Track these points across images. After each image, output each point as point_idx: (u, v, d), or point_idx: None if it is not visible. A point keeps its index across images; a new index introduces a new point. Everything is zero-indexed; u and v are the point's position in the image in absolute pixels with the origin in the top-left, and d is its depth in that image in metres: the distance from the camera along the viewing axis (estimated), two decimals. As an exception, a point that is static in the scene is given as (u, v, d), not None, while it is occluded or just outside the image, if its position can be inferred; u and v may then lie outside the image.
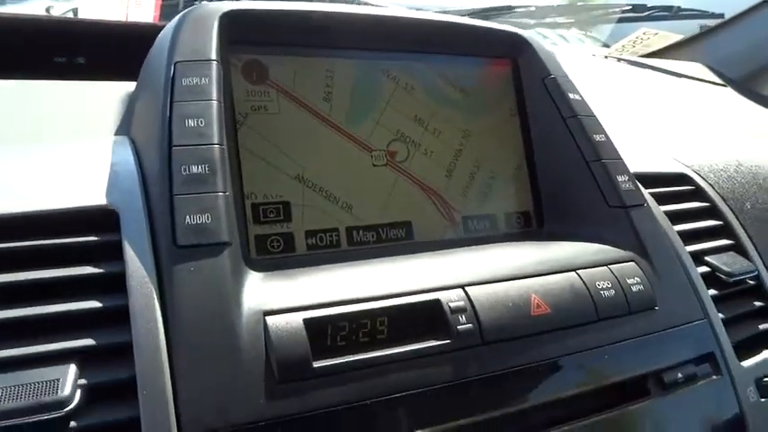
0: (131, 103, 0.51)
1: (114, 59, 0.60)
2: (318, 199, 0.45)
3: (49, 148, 0.43)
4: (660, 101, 1.02)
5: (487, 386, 0.36)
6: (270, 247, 0.43)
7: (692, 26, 1.40)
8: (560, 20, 1.16)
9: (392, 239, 0.47)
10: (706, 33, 1.33)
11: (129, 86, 0.53)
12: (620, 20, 1.34)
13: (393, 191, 0.48)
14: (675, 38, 1.36)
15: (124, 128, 0.50)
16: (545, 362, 0.38)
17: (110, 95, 0.53)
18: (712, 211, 0.56)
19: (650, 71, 1.19)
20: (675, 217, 0.53)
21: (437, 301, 0.37)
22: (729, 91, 1.20)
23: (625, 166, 0.50)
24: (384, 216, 0.47)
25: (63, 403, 0.28)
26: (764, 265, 0.54)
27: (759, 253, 0.55)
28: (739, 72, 1.25)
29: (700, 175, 0.59)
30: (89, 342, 0.31)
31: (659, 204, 0.53)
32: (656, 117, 0.90)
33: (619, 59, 1.25)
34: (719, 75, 1.25)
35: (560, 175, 0.52)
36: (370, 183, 0.47)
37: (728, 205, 0.57)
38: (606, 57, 1.29)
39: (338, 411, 0.32)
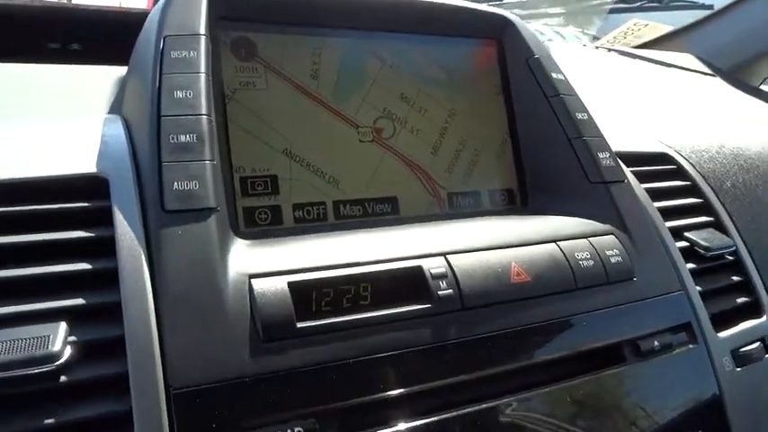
0: (124, 84, 0.51)
1: (108, 45, 0.61)
2: (306, 173, 0.46)
3: (40, 123, 0.44)
4: (649, 89, 1.04)
5: (467, 349, 0.37)
6: (258, 219, 0.44)
7: (683, 17, 1.41)
8: (551, 10, 1.17)
9: (378, 214, 0.48)
10: (696, 24, 1.34)
11: (123, 70, 0.54)
12: (612, 11, 1.35)
13: (379, 166, 0.49)
14: (666, 29, 1.37)
15: (116, 107, 0.51)
16: (523, 327, 0.40)
17: (103, 79, 0.54)
18: (693, 190, 0.58)
19: (640, 61, 1.20)
20: (656, 194, 0.54)
21: (419, 268, 0.39)
22: (718, 81, 1.21)
23: (606, 143, 0.52)
24: (370, 191, 0.48)
25: (53, 357, 0.29)
26: (743, 241, 0.56)
27: (738, 230, 0.56)
28: (728, 63, 1.26)
29: (681, 155, 0.61)
30: (79, 301, 0.32)
31: (640, 182, 0.54)
32: (644, 104, 0.91)
33: (609, 50, 1.26)
34: (709, 65, 1.27)
35: (543, 152, 0.53)
36: (356, 158, 0.48)
37: (709, 184, 0.59)
38: (597, 47, 1.30)
39: (320, 369, 0.33)
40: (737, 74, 1.25)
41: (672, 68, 1.20)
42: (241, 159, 0.44)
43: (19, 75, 0.54)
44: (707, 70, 1.24)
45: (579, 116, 0.52)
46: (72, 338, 0.31)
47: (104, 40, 0.67)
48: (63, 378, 0.30)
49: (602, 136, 0.52)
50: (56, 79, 0.55)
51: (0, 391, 0.29)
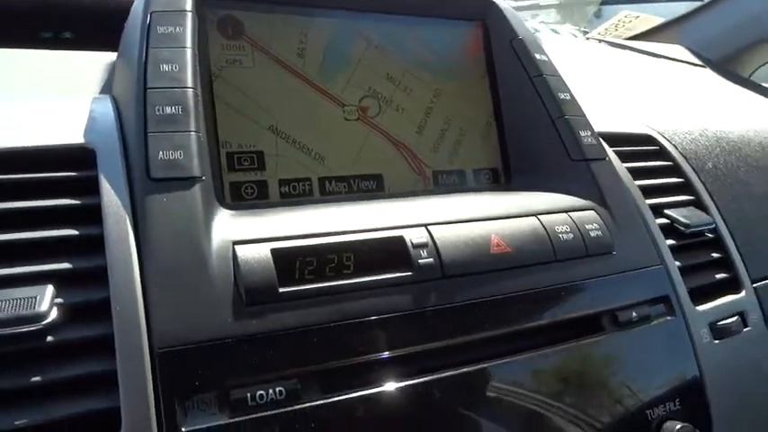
0: (114, 67, 0.52)
1: (101, 34, 0.61)
2: (291, 150, 0.47)
3: (30, 101, 0.45)
4: (637, 79, 1.05)
5: (447, 316, 0.38)
6: (244, 193, 0.44)
7: (675, 9, 1.42)
8: (543, 2, 1.18)
9: (363, 191, 0.49)
10: (687, 16, 1.35)
11: (114, 56, 0.54)
12: (603, 2, 1.36)
13: (365, 144, 0.50)
14: (657, 21, 1.38)
15: (107, 89, 0.52)
16: (503, 296, 0.40)
17: (94, 64, 0.55)
18: (674, 169, 0.59)
19: (630, 52, 1.21)
20: (637, 173, 0.55)
21: (400, 238, 0.39)
22: (707, 71, 1.22)
23: (588, 122, 0.52)
24: (356, 168, 0.49)
25: (40, 317, 0.30)
26: (723, 220, 0.57)
27: (719, 209, 0.57)
28: (717, 54, 1.27)
29: (664, 137, 0.62)
30: (66, 266, 0.33)
31: (622, 162, 0.55)
32: (631, 93, 0.92)
33: (600, 41, 1.27)
34: (698, 56, 1.28)
35: (527, 132, 0.54)
36: (342, 136, 0.49)
37: (690, 164, 0.60)
38: (588, 38, 1.31)
39: (302, 333, 0.34)
40: (727, 64, 1.26)
41: (662, 59, 1.21)
42: (228, 135, 0.45)
43: (8, 59, 0.54)
44: (697, 61, 1.25)
45: (562, 96, 0.53)
46: (59, 300, 0.32)
47: (98, 28, 0.67)
48: (50, 338, 0.31)
49: (584, 115, 0.53)
50: (47, 64, 0.55)
51: (-12, 349, 0.30)
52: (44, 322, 0.30)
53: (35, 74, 0.54)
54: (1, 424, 0.29)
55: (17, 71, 0.54)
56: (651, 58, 1.21)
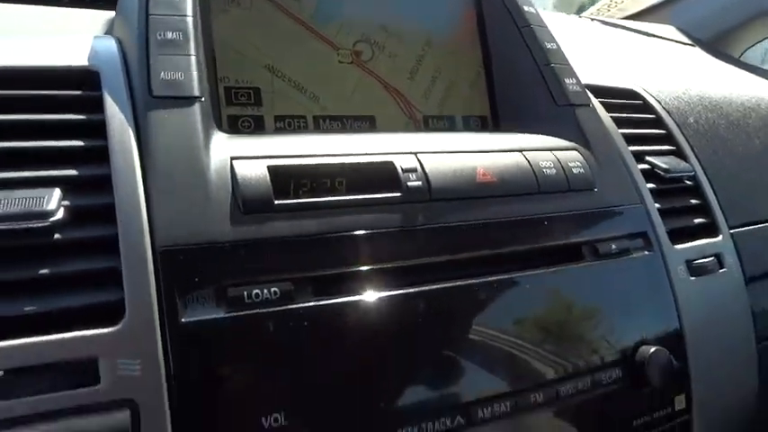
0: (113, 21, 0.54)
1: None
2: (287, 88, 0.49)
3: (36, 38, 0.47)
4: (626, 53, 1.07)
5: (432, 236, 0.40)
6: (241, 126, 0.46)
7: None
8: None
9: (357, 130, 0.51)
10: (677, -4, 1.37)
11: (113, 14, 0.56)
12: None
13: (358, 87, 0.52)
14: (649, 1, 1.40)
15: (109, 32, 0.54)
16: (487, 221, 0.43)
17: (95, 19, 0.57)
18: (656, 122, 0.61)
19: (622, 30, 1.23)
20: (620, 122, 0.57)
21: (390, 163, 0.41)
22: (697, 50, 1.25)
23: (573, 71, 0.55)
24: (349, 109, 0.51)
25: (47, 214, 0.32)
26: (703, 170, 0.59)
27: (699, 161, 0.60)
28: (707, 33, 1.30)
29: (648, 93, 0.64)
30: (72, 172, 0.35)
31: (607, 112, 0.57)
32: (620, 62, 0.95)
33: (592, 20, 1.29)
34: (689, 36, 1.30)
35: (515, 81, 0.56)
36: (336, 78, 0.51)
37: (673, 119, 0.62)
38: (581, 17, 1.33)
39: (296, 241, 0.36)
40: (716, 44, 1.28)
41: (652, 38, 1.24)
42: (225, 71, 0.47)
43: (8, 14, 0.55)
44: (687, 41, 1.27)
45: (548, 45, 0.55)
46: (65, 203, 0.33)
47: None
48: (57, 236, 0.33)
49: (569, 64, 0.55)
50: (47, 18, 0.57)
51: (-1, 242, 0.31)
52: (51, 219, 0.32)
53: (36, 25, 0.56)
54: (11, 311, 0.30)
55: (17, 24, 0.55)
56: (642, 36, 1.23)
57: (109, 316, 0.31)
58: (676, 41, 1.26)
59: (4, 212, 0.31)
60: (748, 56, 1.37)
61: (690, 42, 1.27)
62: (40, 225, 0.32)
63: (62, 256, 0.32)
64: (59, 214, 0.32)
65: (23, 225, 0.31)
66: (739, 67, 1.19)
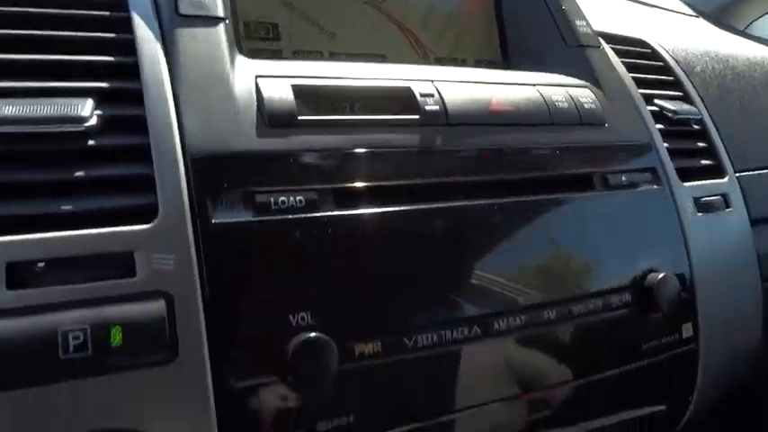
0: None
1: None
2: (305, 25, 0.50)
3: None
4: (633, 21, 1.07)
5: (448, 158, 0.42)
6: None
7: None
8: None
9: (372, 67, 0.52)
10: (681, -32, 1.37)
11: None
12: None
13: (373, 26, 0.53)
14: (652, -26, 1.41)
15: None
16: (501, 148, 0.44)
17: None
18: (665, 69, 0.62)
19: (625, 1, 1.24)
20: (630, 67, 0.58)
21: (408, 89, 0.43)
22: (701, 21, 1.25)
23: (584, 14, 0.56)
24: (365, 47, 0.52)
25: (82, 119, 0.33)
26: (710, 116, 0.60)
27: (706, 107, 0.61)
28: (711, 5, 1.30)
29: (658, 44, 0.65)
30: (104, 85, 0.36)
31: (617, 57, 0.59)
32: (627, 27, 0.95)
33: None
34: (692, 7, 1.30)
35: (526, 25, 0.57)
36: (351, 16, 0.52)
37: (681, 67, 0.63)
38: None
39: (318, 154, 0.37)
40: (719, 15, 1.29)
41: (655, 9, 1.24)
42: (245, 6, 0.48)
43: None
44: (690, 12, 1.28)
45: (560, -10, 0.56)
46: (98, 112, 0.35)
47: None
48: (91, 142, 0.34)
49: (580, 8, 0.56)
50: None
51: (36, 145, 0.33)
52: (86, 125, 0.33)
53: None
54: (49, 208, 0.32)
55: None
56: (645, 7, 1.24)
57: (143, 217, 0.33)
58: (680, 12, 1.27)
59: (41, 115, 0.32)
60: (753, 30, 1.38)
61: (694, 14, 1.28)
62: (75, 129, 0.33)
63: (96, 161, 0.34)
64: (93, 120, 0.34)
65: (59, 128, 0.33)
66: (744, 37, 1.20)
